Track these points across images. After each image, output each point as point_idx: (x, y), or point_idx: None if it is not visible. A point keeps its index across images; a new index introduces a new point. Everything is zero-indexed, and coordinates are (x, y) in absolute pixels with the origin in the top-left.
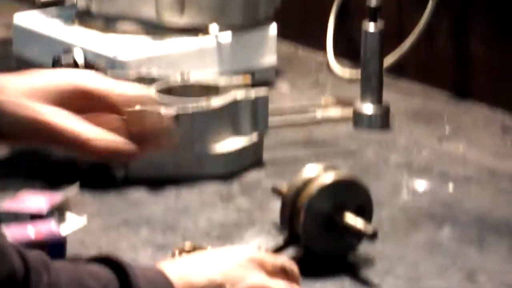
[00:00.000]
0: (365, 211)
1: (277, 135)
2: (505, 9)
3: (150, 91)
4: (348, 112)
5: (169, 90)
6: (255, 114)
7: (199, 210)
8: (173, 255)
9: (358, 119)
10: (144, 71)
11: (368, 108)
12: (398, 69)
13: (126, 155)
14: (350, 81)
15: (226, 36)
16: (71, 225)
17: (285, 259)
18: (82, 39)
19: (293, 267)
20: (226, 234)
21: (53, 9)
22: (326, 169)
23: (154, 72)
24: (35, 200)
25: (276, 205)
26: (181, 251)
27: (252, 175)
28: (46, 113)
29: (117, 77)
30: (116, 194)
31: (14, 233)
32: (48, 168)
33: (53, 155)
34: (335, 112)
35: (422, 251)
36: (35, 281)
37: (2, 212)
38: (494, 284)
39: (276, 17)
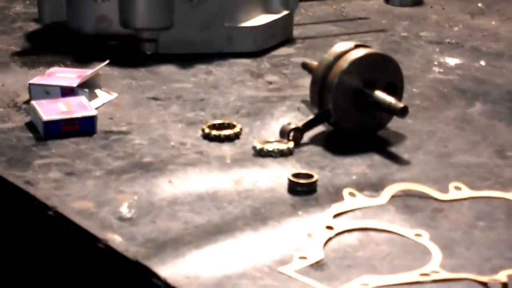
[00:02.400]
0: (396, 87)
1: (307, 11)
2: None
3: None
4: None
5: None
6: None
7: (229, 87)
8: (203, 131)
9: None
10: None
11: None
12: None
13: None
14: None
15: None
16: (101, 99)
17: None
18: None
19: None
20: (256, 111)
21: None
22: (357, 45)
23: None
24: (65, 75)
25: (306, 81)
26: (211, 127)
27: (282, 52)
28: None
29: None
30: (145, 71)
31: (46, 107)
32: (78, 43)
33: (83, 29)
34: None
35: (453, 127)
36: None
37: (33, 86)
38: None
39: None
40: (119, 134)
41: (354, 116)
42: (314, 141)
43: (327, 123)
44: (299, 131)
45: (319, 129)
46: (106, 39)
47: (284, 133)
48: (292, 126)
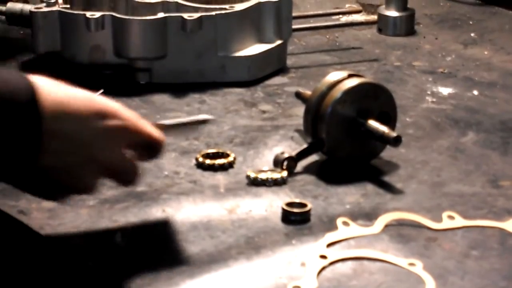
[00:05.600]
0: (389, 117)
1: (300, 40)
2: None
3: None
4: (372, 17)
5: None
6: (279, 19)
7: (222, 116)
8: (197, 160)
9: (382, 24)
10: None
11: (393, 13)
12: None
13: None
14: None
15: None
16: None
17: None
18: None
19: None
20: (250, 140)
21: None
22: (351, 74)
23: None
24: None
25: (300, 111)
26: (205, 156)
27: (276, 81)
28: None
29: None
30: (139, 100)
31: None
32: (72, 72)
33: (77, 58)
34: (359, 17)
35: (446, 156)
36: None
37: None
38: None
39: None
40: None
41: (347, 145)
42: (307, 170)
43: (321, 152)
44: (292, 160)
45: (313, 158)
46: (100, 68)
47: (277, 162)
48: (286, 155)
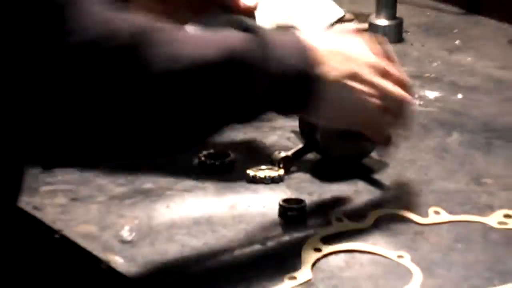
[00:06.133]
0: None
1: None
2: None
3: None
4: (363, 26)
5: None
6: None
7: None
8: (199, 159)
9: (373, 32)
10: None
11: (382, 22)
12: None
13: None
14: None
15: None
16: None
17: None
18: None
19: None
20: (249, 140)
21: None
22: None
23: None
24: None
25: None
26: (206, 156)
27: None
28: None
29: None
30: None
31: None
32: None
33: None
34: (350, 26)
35: (432, 156)
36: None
37: None
38: (499, 186)
39: None
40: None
41: (340, 145)
42: (303, 168)
43: (315, 152)
44: (289, 159)
45: (308, 157)
46: None
47: (275, 161)
48: (283, 154)
